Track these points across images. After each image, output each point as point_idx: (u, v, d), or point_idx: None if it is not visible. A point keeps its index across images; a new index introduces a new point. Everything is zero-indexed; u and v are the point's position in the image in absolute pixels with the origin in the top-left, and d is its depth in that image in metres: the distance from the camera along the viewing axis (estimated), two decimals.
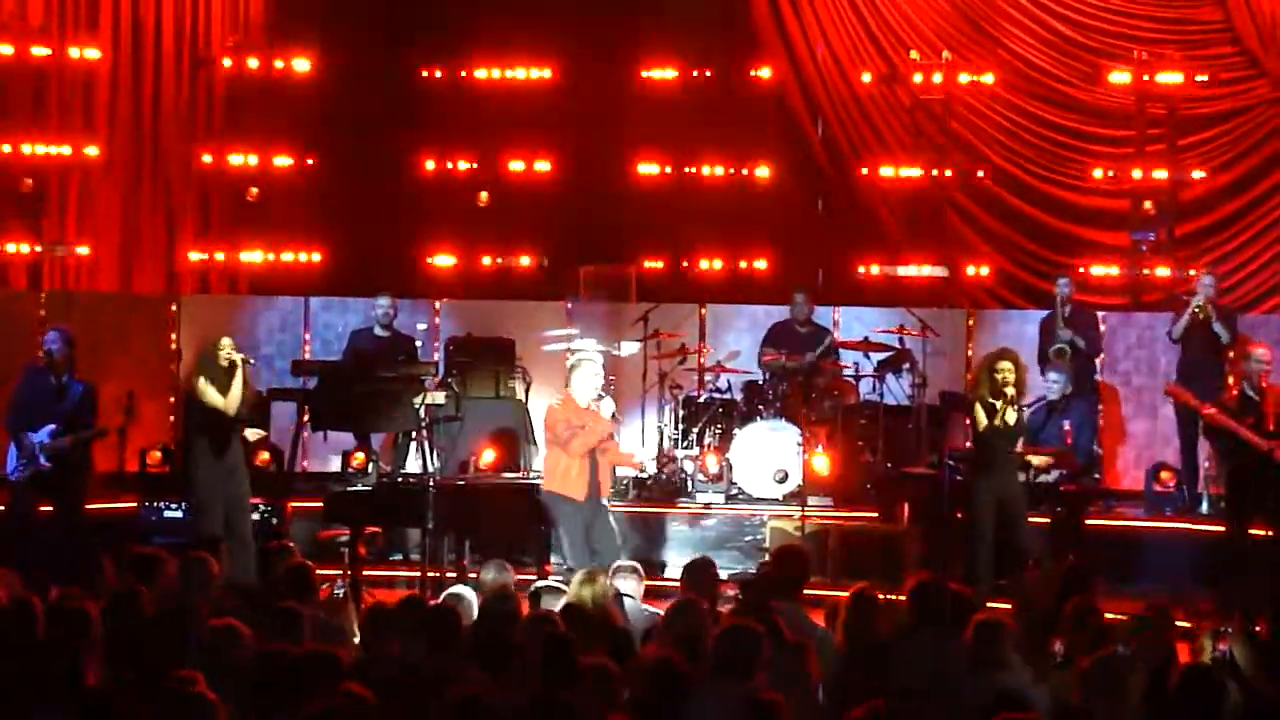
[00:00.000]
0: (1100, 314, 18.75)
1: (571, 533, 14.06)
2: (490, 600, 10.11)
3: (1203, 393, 15.84)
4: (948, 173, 20.48)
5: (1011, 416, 14.24)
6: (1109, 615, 10.25)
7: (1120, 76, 19.94)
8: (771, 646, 8.53)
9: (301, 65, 20.86)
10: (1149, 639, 9.24)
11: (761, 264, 21.03)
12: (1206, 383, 16.62)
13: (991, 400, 14.21)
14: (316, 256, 21.14)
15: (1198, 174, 20.11)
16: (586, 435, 14.04)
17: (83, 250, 20.42)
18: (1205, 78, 19.83)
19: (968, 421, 14.75)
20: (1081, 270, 19.57)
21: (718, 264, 21.15)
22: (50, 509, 15.21)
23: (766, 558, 15.13)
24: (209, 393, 14.42)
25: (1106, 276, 20.03)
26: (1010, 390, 14.19)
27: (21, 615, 8.76)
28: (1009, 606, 11.79)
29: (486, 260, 21.25)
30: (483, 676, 8.39)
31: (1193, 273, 19.05)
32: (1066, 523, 15.64)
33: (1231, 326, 17.23)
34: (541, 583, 11.82)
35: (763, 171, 21.04)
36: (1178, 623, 9.86)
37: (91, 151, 20.33)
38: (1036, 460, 15.27)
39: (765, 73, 21.06)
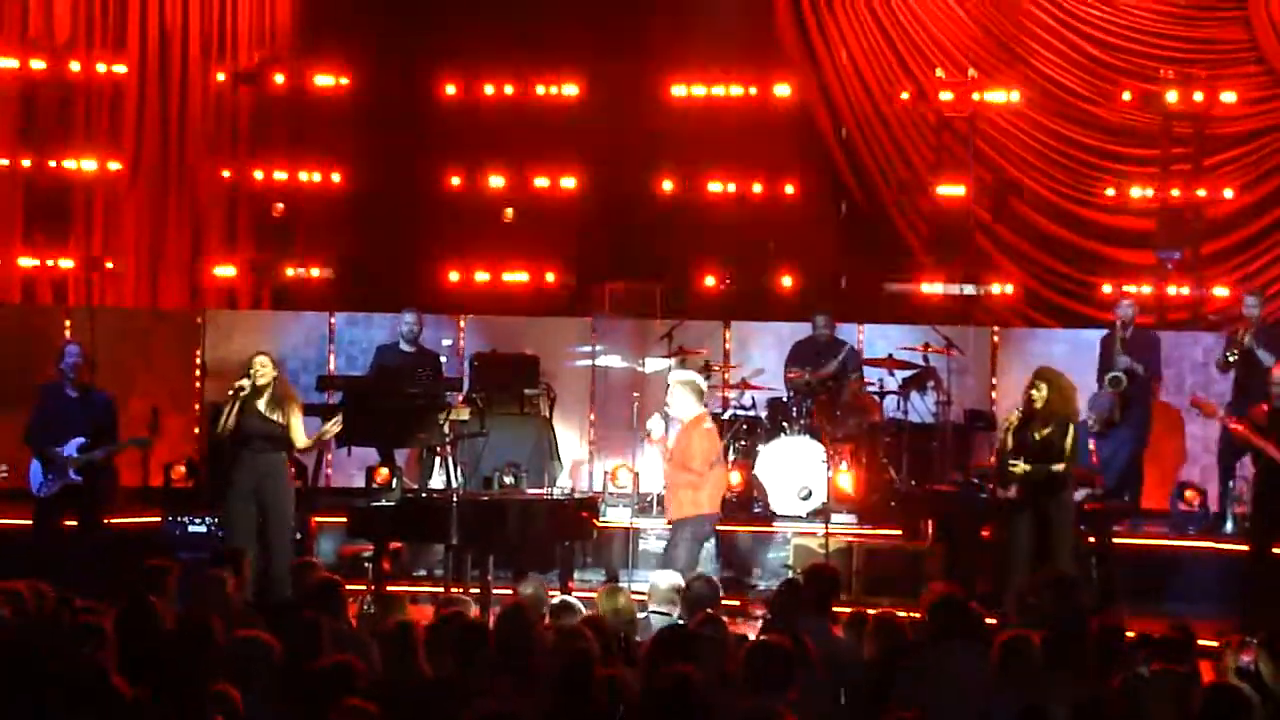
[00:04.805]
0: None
1: None
2: (508, 613, 10.08)
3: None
4: (972, 191, 20.47)
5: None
6: (1131, 635, 10.23)
7: (1145, 96, 19.93)
8: (800, 665, 8.53)
9: (327, 81, 20.89)
10: (1170, 660, 9.19)
11: (786, 281, 20.90)
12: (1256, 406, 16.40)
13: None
14: (340, 272, 21.11)
15: (1226, 193, 20.06)
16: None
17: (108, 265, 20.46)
18: (1232, 97, 19.80)
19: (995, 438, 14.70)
20: (1107, 290, 19.46)
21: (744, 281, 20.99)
22: (75, 523, 15.09)
23: (792, 575, 15.10)
24: (219, 413, 14.38)
25: (1139, 295, 19.78)
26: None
27: (51, 629, 8.76)
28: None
29: (511, 277, 21.11)
30: (507, 690, 8.38)
31: (1222, 292, 18.98)
32: (1092, 542, 15.57)
33: (1276, 347, 16.85)
34: (563, 598, 11.76)
35: (788, 189, 20.91)
36: (1201, 642, 9.84)
37: (116, 167, 20.42)
38: (1018, 469, 14.45)
39: (790, 89, 20.94)
